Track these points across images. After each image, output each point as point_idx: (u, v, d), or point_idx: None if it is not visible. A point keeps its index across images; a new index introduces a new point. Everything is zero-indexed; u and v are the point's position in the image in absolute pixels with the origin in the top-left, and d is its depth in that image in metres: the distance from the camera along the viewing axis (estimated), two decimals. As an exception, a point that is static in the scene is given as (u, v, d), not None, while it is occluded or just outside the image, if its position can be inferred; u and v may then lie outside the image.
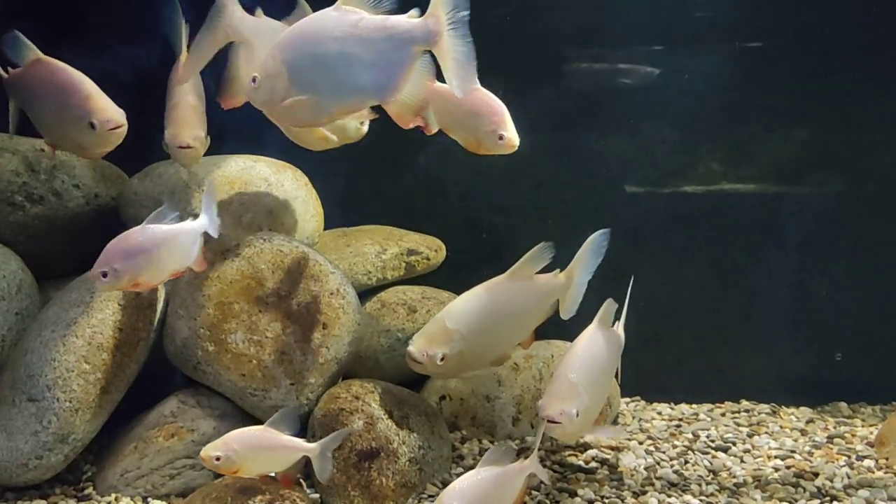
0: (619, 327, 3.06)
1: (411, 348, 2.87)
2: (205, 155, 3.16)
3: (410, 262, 3.65)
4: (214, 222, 2.85)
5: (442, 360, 2.83)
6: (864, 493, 2.96)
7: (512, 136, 2.72)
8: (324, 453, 2.67)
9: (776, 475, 3.15)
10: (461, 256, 3.86)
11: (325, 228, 3.76)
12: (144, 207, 3.40)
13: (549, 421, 2.64)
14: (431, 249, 3.73)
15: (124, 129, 2.79)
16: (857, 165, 3.83)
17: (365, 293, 3.57)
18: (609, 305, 2.93)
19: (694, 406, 3.94)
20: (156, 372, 3.11)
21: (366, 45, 2.35)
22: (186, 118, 3.03)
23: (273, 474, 2.72)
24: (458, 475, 3.06)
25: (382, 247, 3.62)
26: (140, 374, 3.05)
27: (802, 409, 3.89)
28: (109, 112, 2.77)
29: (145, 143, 3.18)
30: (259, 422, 3.04)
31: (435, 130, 2.91)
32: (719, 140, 3.90)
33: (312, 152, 3.69)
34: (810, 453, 3.32)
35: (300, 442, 2.66)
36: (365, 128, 3.21)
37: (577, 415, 2.63)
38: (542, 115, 3.79)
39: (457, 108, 2.76)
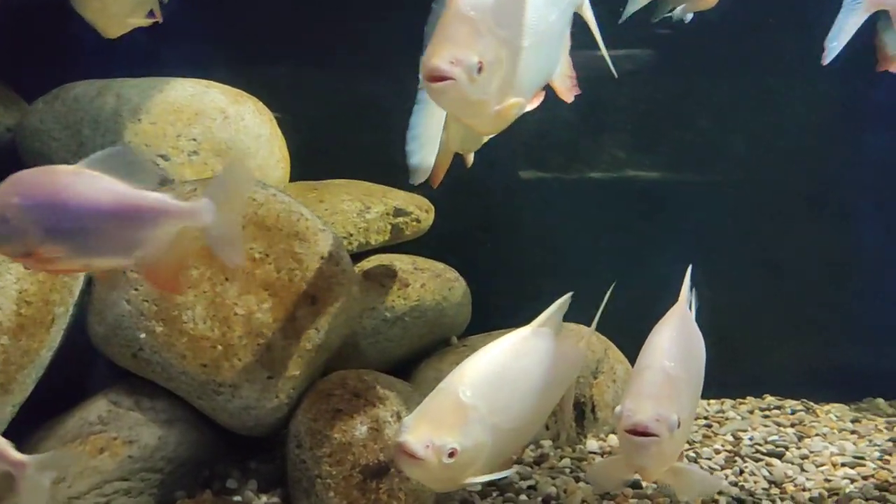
0: None
1: (407, 437, 1.75)
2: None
3: (398, 224, 2.93)
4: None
5: (451, 455, 1.77)
6: (971, 508, 2.48)
7: None
8: (39, 472, 1.81)
9: (853, 487, 2.63)
10: (449, 221, 3.16)
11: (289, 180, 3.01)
12: (55, 140, 2.56)
13: (636, 433, 1.72)
14: (421, 210, 3.01)
15: None
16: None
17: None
18: (686, 291, 2.19)
19: (712, 401, 3.40)
20: (76, 363, 2.28)
21: None
22: None
23: None
24: (480, 494, 2.43)
25: (365, 204, 2.88)
26: (53, 364, 2.22)
27: (835, 405, 3.42)
28: None
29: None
30: (224, 432, 2.29)
31: None
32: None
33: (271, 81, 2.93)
34: (884, 459, 2.82)
35: (6, 446, 1.81)
36: None
37: (679, 425, 1.76)
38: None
39: None
